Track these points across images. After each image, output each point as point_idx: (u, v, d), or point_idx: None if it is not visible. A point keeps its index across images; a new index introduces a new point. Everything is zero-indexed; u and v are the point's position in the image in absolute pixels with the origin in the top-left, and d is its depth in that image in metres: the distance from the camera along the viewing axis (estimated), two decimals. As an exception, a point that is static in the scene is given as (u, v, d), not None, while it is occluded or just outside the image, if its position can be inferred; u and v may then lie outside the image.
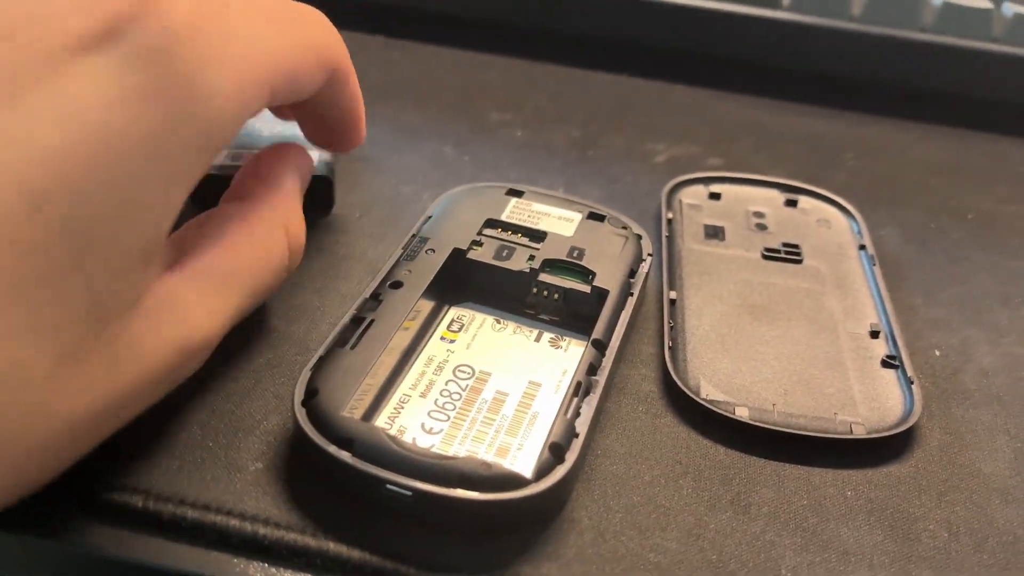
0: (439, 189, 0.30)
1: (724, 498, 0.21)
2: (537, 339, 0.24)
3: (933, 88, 0.40)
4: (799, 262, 0.28)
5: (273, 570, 0.19)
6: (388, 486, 0.19)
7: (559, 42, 0.42)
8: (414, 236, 0.26)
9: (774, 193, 0.31)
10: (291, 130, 0.28)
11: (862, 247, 0.29)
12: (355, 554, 0.19)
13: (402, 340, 0.23)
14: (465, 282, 0.25)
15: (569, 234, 0.26)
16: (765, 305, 0.26)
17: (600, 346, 0.23)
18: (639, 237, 0.27)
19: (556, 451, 0.20)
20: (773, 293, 0.27)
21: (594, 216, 0.27)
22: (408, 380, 0.22)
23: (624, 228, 0.27)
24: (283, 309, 0.25)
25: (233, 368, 0.23)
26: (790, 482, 0.22)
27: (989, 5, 0.38)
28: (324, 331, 0.24)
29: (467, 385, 0.22)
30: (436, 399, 0.22)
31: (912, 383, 0.24)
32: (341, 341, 0.22)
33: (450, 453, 0.20)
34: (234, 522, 0.19)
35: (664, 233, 0.29)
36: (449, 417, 0.21)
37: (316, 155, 0.29)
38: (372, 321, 0.22)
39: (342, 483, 0.20)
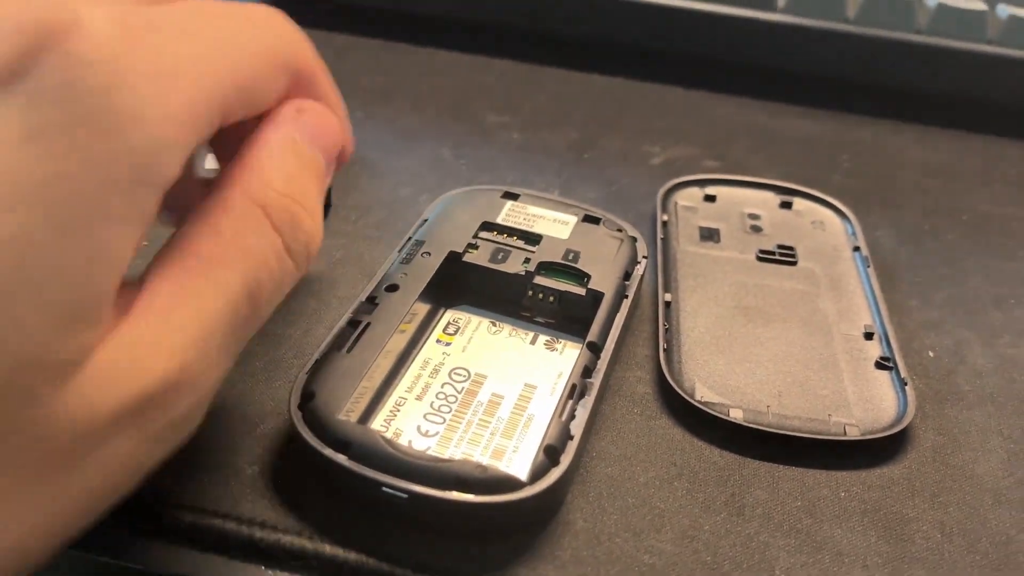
0: (436, 192, 0.30)
1: (718, 500, 0.21)
2: (532, 342, 0.24)
3: (928, 90, 0.40)
4: (794, 264, 0.28)
5: (270, 573, 0.19)
6: (384, 489, 0.19)
7: (556, 45, 0.42)
8: (410, 239, 0.26)
9: (769, 195, 0.32)
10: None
11: (856, 249, 0.29)
12: (351, 556, 0.19)
13: (398, 343, 0.23)
14: (461, 285, 0.25)
15: (564, 237, 0.26)
16: (760, 307, 0.26)
17: (595, 348, 0.23)
18: (634, 240, 0.27)
19: (551, 453, 0.20)
20: (768, 295, 0.27)
21: (589, 219, 0.27)
22: (404, 383, 0.22)
23: (619, 231, 0.27)
24: (279, 312, 0.25)
25: (229, 371, 0.23)
26: (784, 483, 0.22)
27: (984, 7, 0.38)
28: (320, 334, 0.24)
29: (463, 388, 0.22)
30: (432, 402, 0.22)
31: (906, 384, 0.24)
32: (337, 344, 0.22)
33: (446, 456, 0.20)
34: (231, 525, 0.19)
35: (659, 235, 0.29)
36: (445, 420, 0.21)
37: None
38: (368, 324, 0.22)
39: (338, 486, 0.20)
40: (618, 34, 0.41)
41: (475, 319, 0.25)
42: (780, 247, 0.29)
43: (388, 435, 0.20)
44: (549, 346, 0.24)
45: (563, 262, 0.25)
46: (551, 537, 0.20)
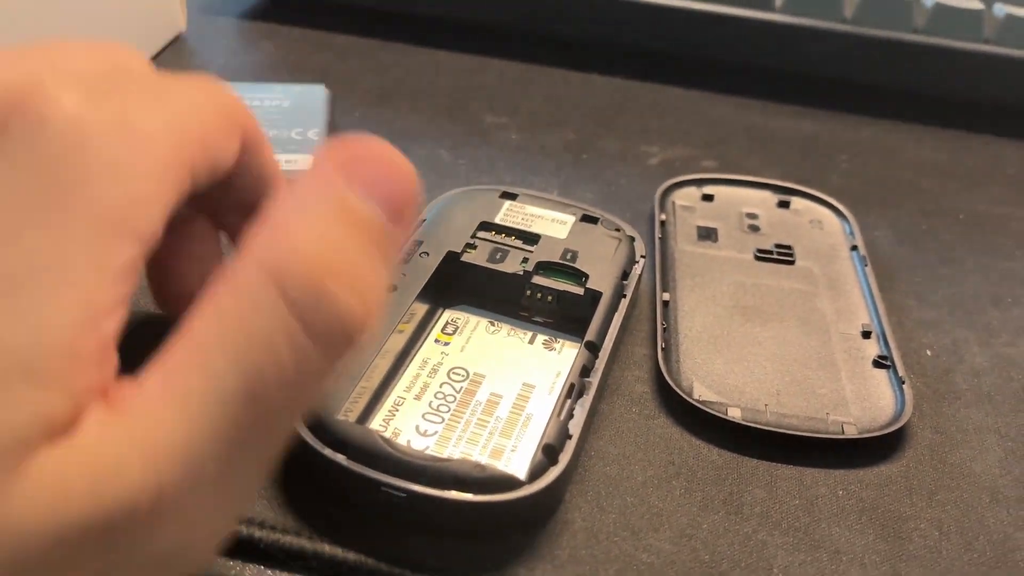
0: (434, 192, 0.30)
1: (716, 498, 0.21)
2: (531, 341, 0.24)
3: (925, 90, 0.40)
4: (791, 263, 0.28)
5: (269, 573, 0.19)
6: (383, 488, 0.19)
7: (553, 45, 0.42)
8: (408, 239, 0.26)
9: (767, 194, 0.32)
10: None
11: (854, 248, 0.29)
12: (350, 556, 0.19)
13: (397, 343, 0.23)
14: (459, 285, 0.25)
15: (562, 236, 0.26)
16: (758, 306, 0.26)
17: (593, 348, 0.23)
18: (632, 239, 0.27)
19: (550, 452, 0.20)
20: (766, 294, 0.27)
21: (587, 218, 0.27)
22: (402, 383, 0.22)
23: (617, 230, 0.27)
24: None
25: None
26: (782, 482, 0.22)
27: (980, 6, 0.38)
28: (319, 334, 0.24)
29: (461, 387, 0.22)
30: (430, 401, 0.22)
31: (903, 383, 0.24)
32: (336, 344, 0.22)
33: (444, 455, 0.20)
34: (230, 525, 0.19)
35: (657, 235, 0.29)
36: (443, 419, 0.21)
37: (311, 158, 0.29)
38: (367, 324, 0.22)
39: (337, 486, 0.20)
40: (616, 34, 0.41)
41: (473, 319, 0.25)
42: (778, 246, 0.29)
43: (387, 435, 0.20)
44: (547, 345, 0.24)
45: (561, 262, 0.25)
46: (549, 536, 0.20)
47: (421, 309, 0.24)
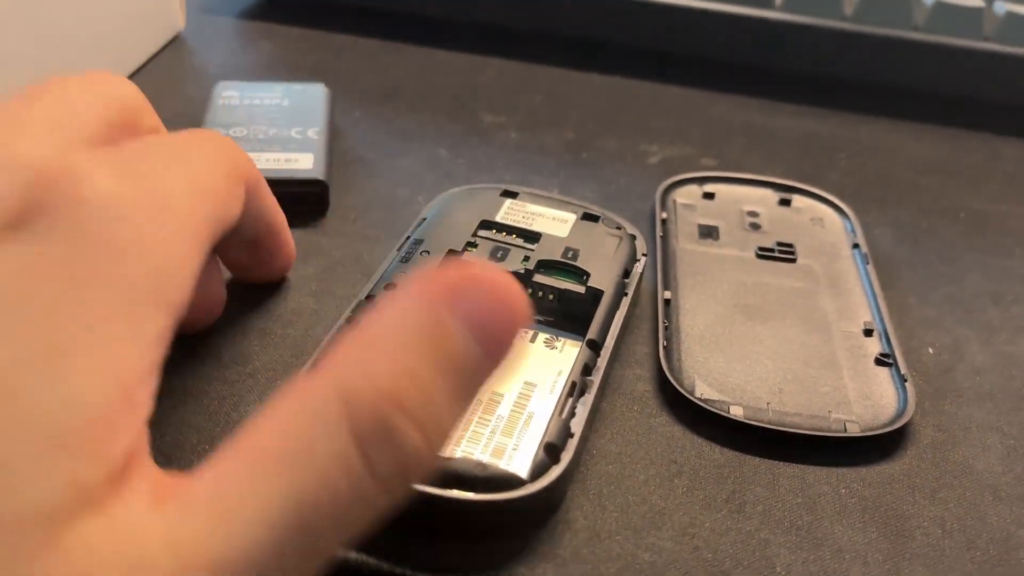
0: (434, 191, 0.30)
1: (719, 497, 0.21)
2: (532, 340, 0.24)
3: (925, 87, 0.40)
4: (793, 261, 0.28)
5: (270, 572, 0.19)
6: (384, 487, 0.19)
7: (552, 44, 0.42)
8: (409, 238, 0.26)
9: (768, 192, 0.32)
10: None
11: (855, 246, 0.29)
12: (351, 556, 0.19)
13: (397, 342, 0.23)
14: (460, 284, 0.25)
15: (563, 235, 0.26)
16: (759, 304, 0.26)
17: (595, 346, 0.23)
18: (633, 237, 0.27)
19: (551, 451, 0.20)
20: (767, 292, 0.27)
21: (588, 217, 0.27)
22: (404, 382, 0.22)
23: (618, 228, 0.27)
24: (279, 313, 0.25)
25: (228, 372, 0.23)
26: (784, 480, 0.22)
27: (981, 4, 0.38)
28: (320, 334, 0.24)
29: (462, 386, 0.22)
30: (432, 400, 0.22)
31: (905, 381, 0.24)
32: (337, 343, 0.22)
33: (445, 454, 0.20)
34: (231, 524, 0.19)
35: (658, 233, 0.29)
36: (445, 418, 0.21)
37: (311, 157, 0.29)
38: (367, 323, 0.22)
39: (338, 485, 0.20)
40: (614, 33, 0.41)
41: (474, 318, 0.25)
42: (779, 244, 0.29)
43: (388, 434, 0.20)
44: (549, 344, 0.24)
45: (562, 260, 0.25)
46: (551, 535, 0.20)
47: (422, 308, 0.24)
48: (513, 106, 0.37)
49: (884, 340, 0.25)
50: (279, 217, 0.23)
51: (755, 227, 0.30)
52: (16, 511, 0.11)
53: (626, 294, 0.25)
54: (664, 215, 0.30)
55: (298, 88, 0.33)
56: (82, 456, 0.12)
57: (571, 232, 0.26)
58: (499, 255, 0.25)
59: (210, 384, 0.22)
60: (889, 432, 0.23)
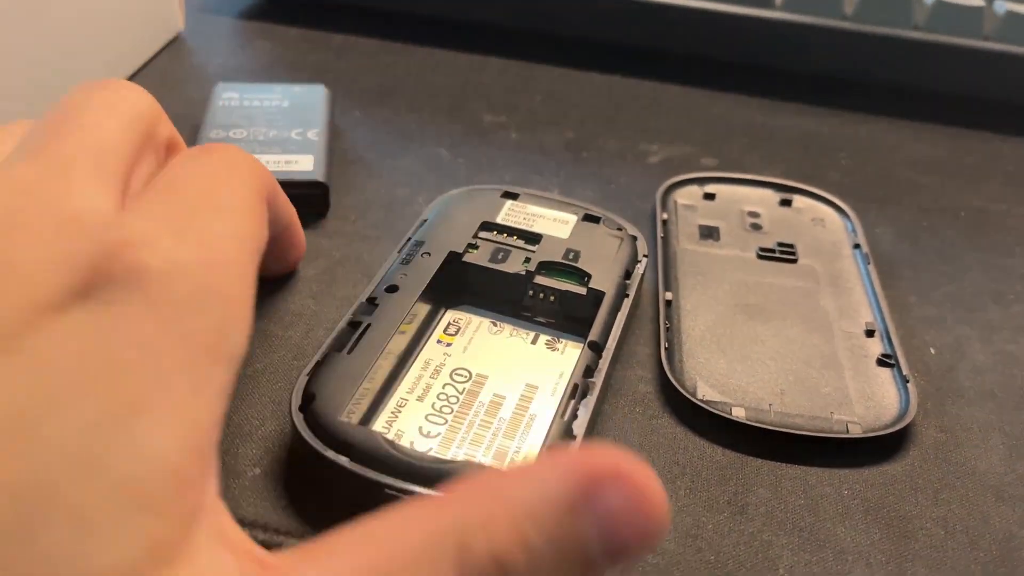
0: (434, 192, 0.30)
1: (721, 498, 0.21)
2: (533, 341, 0.24)
3: (925, 86, 0.40)
4: (794, 261, 0.28)
5: (272, 575, 0.19)
6: (387, 490, 0.19)
7: (552, 43, 0.42)
8: (409, 239, 0.26)
9: (768, 193, 0.32)
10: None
11: (856, 246, 0.29)
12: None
13: (399, 344, 0.23)
14: (461, 285, 0.25)
15: (564, 236, 0.26)
16: (760, 305, 0.26)
17: (596, 348, 0.23)
18: (634, 238, 0.27)
19: (554, 454, 0.20)
20: (768, 293, 0.27)
21: (589, 218, 0.27)
22: (405, 384, 0.22)
23: (619, 229, 0.27)
24: (279, 314, 0.25)
25: (230, 373, 0.23)
26: (787, 482, 0.22)
27: (981, 3, 0.38)
28: (320, 336, 0.24)
29: (464, 388, 0.22)
30: (433, 403, 0.22)
31: (907, 381, 0.24)
32: (338, 346, 0.22)
33: (448, 456, 0.20)
34: (233, 528, 0.19)
35: (659, 234, 0.29)
36: (447, 420, 0.21)
37: (312, 159, 0.29)
38: (368, 325, 0.22)
39: (340, 488, 0.20)
40: (614, 32, 0.41)
41: (476, 319, 0.25)
42: (780, 245, 0.29)
43: (390, 436, 0.20)
44: (550, 346, 0.24)
45: (563, 261, 0.25)
46: (554, 537, 0.20)
47: (423, 310, 0.24)
48: (513, 106, 0.37)
49: (886, 341, 0.25)
50: (293, 213, 0.24)
51: (756, 227, 0.30)
52: (100, 568, 0.12)
53: (627, 295, 0.25)
54: (665, 216, 0.30)
55: (298, 89, 0.33)
56: (160, 514, 0.13)
57: (572, 233, 0.26)
58: (500, 257, 0.25)
59: (211, 387, 0.22)
60: (891, 433, 0.23)
